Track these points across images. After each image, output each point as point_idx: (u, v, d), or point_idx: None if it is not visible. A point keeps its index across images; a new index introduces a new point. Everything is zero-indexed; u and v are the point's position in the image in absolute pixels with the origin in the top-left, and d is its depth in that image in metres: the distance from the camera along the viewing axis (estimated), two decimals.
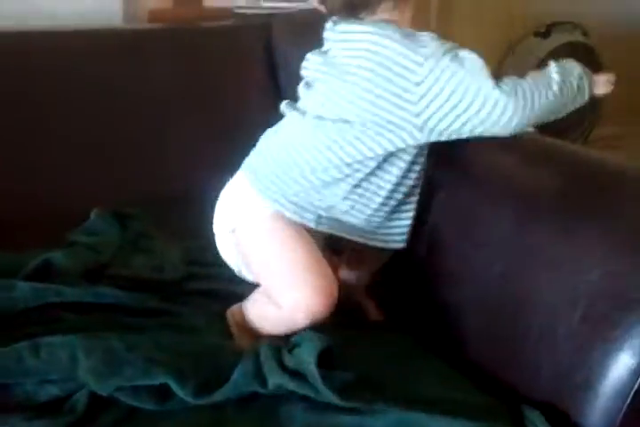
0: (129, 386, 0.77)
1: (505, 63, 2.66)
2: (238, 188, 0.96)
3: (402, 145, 0.87)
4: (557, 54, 2.62)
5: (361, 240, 0.94)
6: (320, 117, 0.88)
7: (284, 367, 0.79)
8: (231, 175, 0.98)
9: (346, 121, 0.87)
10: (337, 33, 0.91)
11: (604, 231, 0.81)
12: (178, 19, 1.55)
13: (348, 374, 0.79)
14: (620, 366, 0.72)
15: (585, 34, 2.71)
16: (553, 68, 0.90)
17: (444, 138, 0.88)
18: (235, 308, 0.96)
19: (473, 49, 0.88)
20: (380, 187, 0.90)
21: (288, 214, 0.90)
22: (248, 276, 0.98)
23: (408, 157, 0.90)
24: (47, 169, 1.23)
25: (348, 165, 0.88)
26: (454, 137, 0.88)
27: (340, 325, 0.90)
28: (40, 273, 0.96)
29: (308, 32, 1.08)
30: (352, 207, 0.90)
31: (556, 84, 0.88)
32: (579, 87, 0.90)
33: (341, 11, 0.89)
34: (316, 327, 0.85)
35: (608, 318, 0.75)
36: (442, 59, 0.83)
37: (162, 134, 1.34)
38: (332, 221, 0.92)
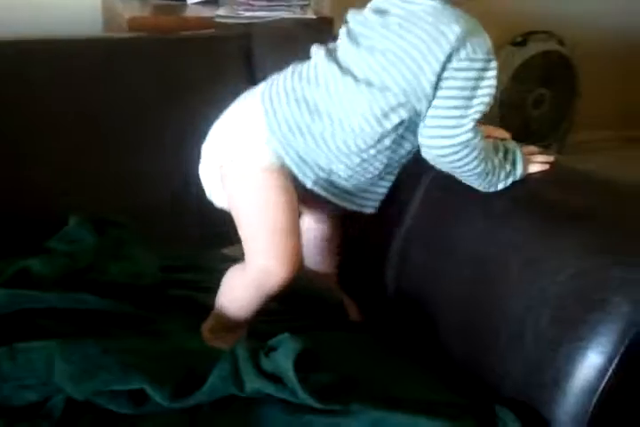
0: (105, 391, 0.77)
1: None
2: (248, 117, 0.93)
3: (412, 114, 0.88)
4: (533, 63, 2.67)
5: (341, 203, 0.96)
6: (368, 83, 0.87)
7: (261, 371, 0.80)
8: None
9: (387, 88, 0.87)
10: (406, 1, 0.88)
11: (572, 233, 0.83)
12: (158, 28, 1.55)
13: (324, 375, 0.80)
14: (586, 365, 0.74)
15: (561, 43, 2.76)
16: (501, 147, 0.93)
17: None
18: (207, 321, 0.97)
19: None
20: (381, 162, 0.93)
21: (291, 167, 0.91)
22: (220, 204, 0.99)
23: (410, 135, 0.91)
24: (26, 179, 1.23)
25: (377, 137, 0.89)
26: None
27: (316, 326, 0.91)
28: (17, 280, 0.96)
29: (288, 41, 1.09)
30: (351, 176, 0.93)
31: (498, 162, 0.91)
32: (508, 173, 0.92)
33: None
34: (293, 329, 0.86)
35: (575, 317, 0.77)
36: (476, 68, 0.86)
37: (140, 144, 1.34)
38: (327, 184, 0.94)
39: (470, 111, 0.87)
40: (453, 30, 0.84)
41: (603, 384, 0.74)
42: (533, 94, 2.77)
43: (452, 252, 0.93)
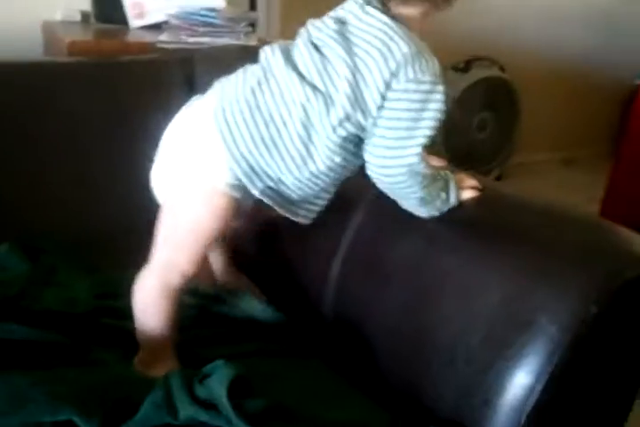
0: (33, 423, 0.75)
1: None
2: (201, 128, 0.92)
3: (359, 129, 0.89)
4: (476, 88, 2.75)
5: (284, 213, 0.96)
6: (321, 92, 0.87)
7: (195, 398, 0.79)
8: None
9: (335, 99, 0.87)
10: (363, 13, 0.89)
11: (503, 257, 0.85)
12: (99, 52, 1.54)
13: (259, 401, 0.79)
14: (515, 384, 0.76)
15: (502, 69, 2.84)
16: (438, 175, 0.95)
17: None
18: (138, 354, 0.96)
19: None
20: (328, 175, 0.93)
21: (241, 177, 0.90)
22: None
23: (359, 151, 0.91)
24: None
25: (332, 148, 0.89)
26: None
27: (252, 352, 0.91)
28: None
29: (229, 67, 1.09)
30: (299, 188, 0.93)
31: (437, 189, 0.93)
32: (444, 201, 0.94)
33: None
34: (227, 355, 0.86)
35: (504, 340, 0.78)
36: (422, 90, 0.86)
37: (81, 170, 1.32)
38: (274, 193, 0.94)
39: (416, 133, 0.87)
40: (401, 49, 0.85)
41: (532, 402, 0.76)
42: (477, 118, 2.84)
43: (388, 278, 0.94)
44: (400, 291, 0.92)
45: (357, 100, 0.87)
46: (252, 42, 1.70)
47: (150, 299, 0.95)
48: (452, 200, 0.94)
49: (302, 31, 0.94)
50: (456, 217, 0.92)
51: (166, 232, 0.95)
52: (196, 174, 0.93)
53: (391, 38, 0.86)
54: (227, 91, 0.93)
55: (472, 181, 0.99)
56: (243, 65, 0.96)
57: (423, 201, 0.91)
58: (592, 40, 3.13)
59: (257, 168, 0.91)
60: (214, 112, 0.91)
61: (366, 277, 0.98)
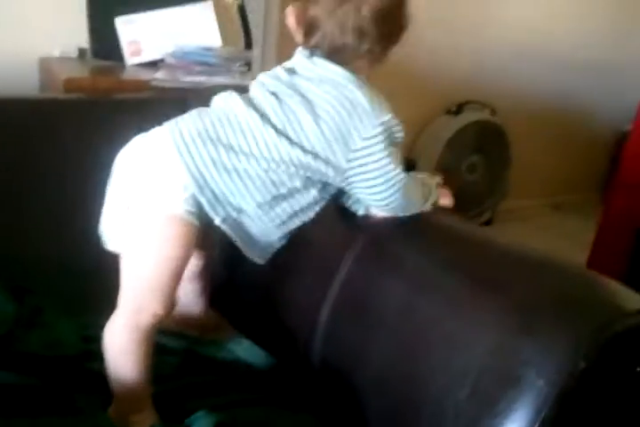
0: None
1: (419, 139, 2.79)
2: (160, 158, 0.93)
3: (325, 179, 0.94)
4: (467, 131, 2.78)
5: (242, 246, 0.97)
6: (288, 138, 0.90)
7: None
8: None
9: (303, 148, 0.90)
10: (313, 63, 0.93)
11: (492, 308, 0.84)
12: (95, 89, 1.56)
13: None
14: None
15: (493, 113, 2.88)
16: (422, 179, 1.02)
17: (346, 186, 0.95)
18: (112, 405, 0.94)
19: None
20: (290, 204, 0.95)
21: (203, 204, 0.91)
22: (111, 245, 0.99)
23: (323, 191, 0.96)
24: None
25: (283, 183, 0.93)
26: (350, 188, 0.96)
27: (238, 401, 0.89)
28: None
29: None
30: (259, 218, 0.95)
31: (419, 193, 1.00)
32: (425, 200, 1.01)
33: (324, 50, 0.93)
34: (212, 406, 0.84)
35: (494, 393, 0.77)
36: (387, 132, 0.91)
37: (73, 206, 1.31)
38: (235, 224, 0.94)
39: (389, 161, 0.91)
40: (358, 99, 0.90)
41: None
42: (467, 161, 2.87)
43: (375, 328, 0.93)
44: (387, 341, 0.90)
45: (322, 148, 0.90)
46: (247, 81, 1.71)
47: (120, 343, 0.92)
48: (428, 204, 1.00)
49: (255, 83, 0.98)
50: (444, 267, 0.92)
51: (130, 272, 0.93)
52: (154, 202, 0.92)
53: (345, 87, 0.91)
54: (184, 121, 0.95)
55: (447, 201, 1.04)
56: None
57: (402, 206, 0.96)
58: (582, 86, 3.19)
59: (220, 195, 0.92)
60: (172, 136, 0.92)
61: (354, 327, 0.96)
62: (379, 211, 0.98)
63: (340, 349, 0.98)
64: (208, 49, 1.74)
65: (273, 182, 0.92)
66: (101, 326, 1.01)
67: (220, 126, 0.92)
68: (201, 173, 0.90)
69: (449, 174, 2.74)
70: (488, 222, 2.97)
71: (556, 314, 0.80)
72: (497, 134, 2.87)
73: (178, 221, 0.91)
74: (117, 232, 0.97)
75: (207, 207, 0.91)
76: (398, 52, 0.97)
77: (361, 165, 0.91)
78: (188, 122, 0.94)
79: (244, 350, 1.07)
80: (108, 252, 1.03)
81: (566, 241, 2.33)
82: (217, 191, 0.91)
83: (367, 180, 0.92)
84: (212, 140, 0.91)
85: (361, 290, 0.97)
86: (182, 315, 1.11)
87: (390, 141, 0.92)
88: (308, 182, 0.93)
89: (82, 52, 1.78)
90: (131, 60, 1.74)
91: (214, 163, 0.90)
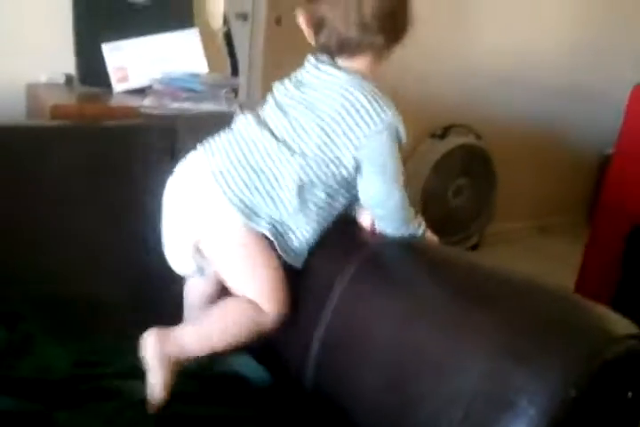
0: None
1: (406, 163, 2.81)
2: (205, 193, 1.01)
3: (340, 178, 1.01)
4: (453, 155, 2.80)
5: (281, 253, 1.02)
6: (303, 154, 0.98)
7: None
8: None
9: (306, 155, 0.98)
10: (320, 71, 1.01)
11: (485, 333, 0.84)
12: (82, 116, 1.56)
13: None
14: None
15: (478, 137, 2.91)
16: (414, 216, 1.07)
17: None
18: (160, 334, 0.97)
19: None
20: (318, 214, 1.02)
21: (253, 226, 0.99)
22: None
23: (346, 193, 1.04)
24: None
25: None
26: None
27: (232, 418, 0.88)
28: None
29: (211, 134, 1.12)
30: (298, 226, 1.01)
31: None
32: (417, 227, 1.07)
33: (332, 46, 1.00)
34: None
35: (487, 417, 0.77)
36: (389, 129, 0.98)
37: (63, 233, 1.31)
38: (278, 235, 1.01)
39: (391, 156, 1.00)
40: (358, 98, 0.97)
41: None
42: (453, 185, 2.89)
43: (367, 357, 0.93)
44: (378, 368, 0.90)
45: (330, 150, 0.98)
46: (233, 107, 1.73)
47: (235, 313, 0.98)
48: (421, 230, 1.06)
49: (269, 96, 1.05)
50: (433, 293, 0.92)
51: (239, 288, 1.00)
52: (222, 235, 1.01)
53: (350, 92, 0.98)
54: (217, 156, 1.03)
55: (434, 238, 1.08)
56: (221, 131, 1.06)
57: (401, 220, 1.03)
58: (565, 110, 3.24)
59: (261, 214, 0.99)
60: (214, 176, 1.01)
61: (345, 354, 0.96)
62: (374, 215, 1.04)
63: (331, 375, 0.98)
64: (194, 75, 1.75)
65: (305, 201, 0.99)
66: (94, 352, 1.01)
67: (247, 150, 1.01)
68: (244, 203, 0.99)
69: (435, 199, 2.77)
70: (475, 247, 2.98)
71: (545, 339, 0.80)
72: (483, 158, 2.90)
73: (245, 237, 0.99)
74: (184, 259, 1.06)
75: (254, 226, 0.99)
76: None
77: (367, 158, 0.99)
78: (223, 155, 1.02)
79: (243, 365, 1.07)
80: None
81: (553, 263, 2.34)
82: (260, 212, 0.99)
83: (369, 173, 0.99)
84: (244, 167, 0.99)
85: (351, 316, 0.97)
86: None
87: (393, 138, 0.99)
88: (332, 191, 1.01)
89: (69, 79, 1.78)
90: (118, 86, 1.74)
91: (249, 188, 0.99)
